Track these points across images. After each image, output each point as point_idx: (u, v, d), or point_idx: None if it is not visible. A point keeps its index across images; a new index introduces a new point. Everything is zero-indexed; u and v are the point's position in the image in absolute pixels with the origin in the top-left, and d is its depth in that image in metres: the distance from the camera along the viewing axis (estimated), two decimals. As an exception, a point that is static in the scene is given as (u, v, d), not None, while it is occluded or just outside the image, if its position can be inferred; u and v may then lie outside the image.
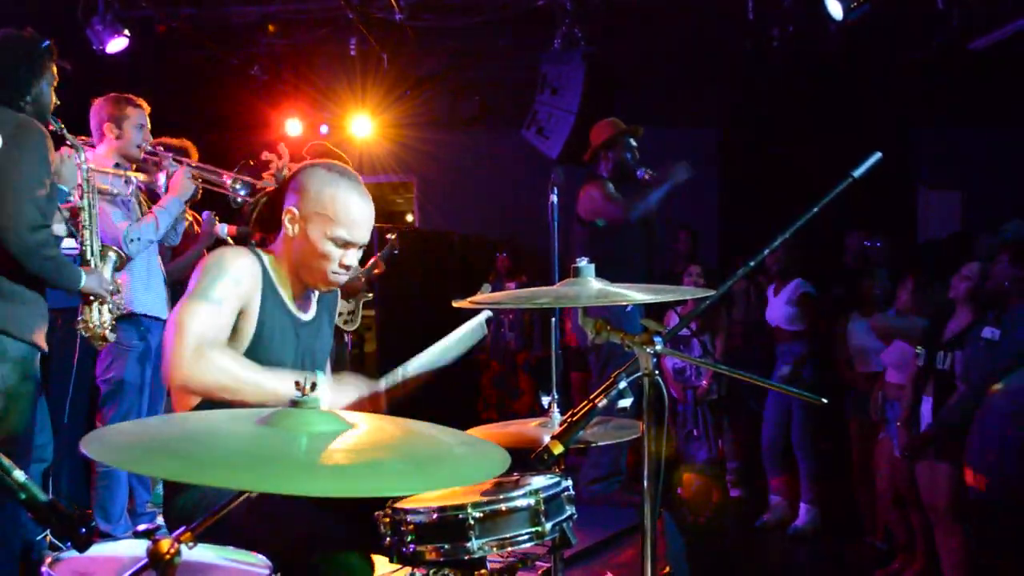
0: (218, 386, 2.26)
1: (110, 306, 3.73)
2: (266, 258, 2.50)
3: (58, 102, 3.49)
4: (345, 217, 2.43)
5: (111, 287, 3.70)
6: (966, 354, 4.29)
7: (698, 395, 6.51)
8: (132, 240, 4.06)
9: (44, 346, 3.36)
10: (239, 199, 4.33)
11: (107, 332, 3.72)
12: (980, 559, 4.30)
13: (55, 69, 3.46)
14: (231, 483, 1.40)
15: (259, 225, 2.61)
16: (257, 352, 2.42)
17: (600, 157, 5.44)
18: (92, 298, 3.64)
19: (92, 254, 3.70)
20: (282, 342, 2.49)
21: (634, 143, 5.43)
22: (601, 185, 5.38)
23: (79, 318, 3.68)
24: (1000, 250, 4.47)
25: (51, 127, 3.44)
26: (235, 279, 2.39)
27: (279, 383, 2.27)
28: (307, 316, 2.60)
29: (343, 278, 2.52)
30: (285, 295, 2.52)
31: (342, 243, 2.44)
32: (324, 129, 8.65)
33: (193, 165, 4.42)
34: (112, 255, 3.83)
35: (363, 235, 2.48)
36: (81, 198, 3.68)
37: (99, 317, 3.68)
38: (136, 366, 4.25)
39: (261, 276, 2.46)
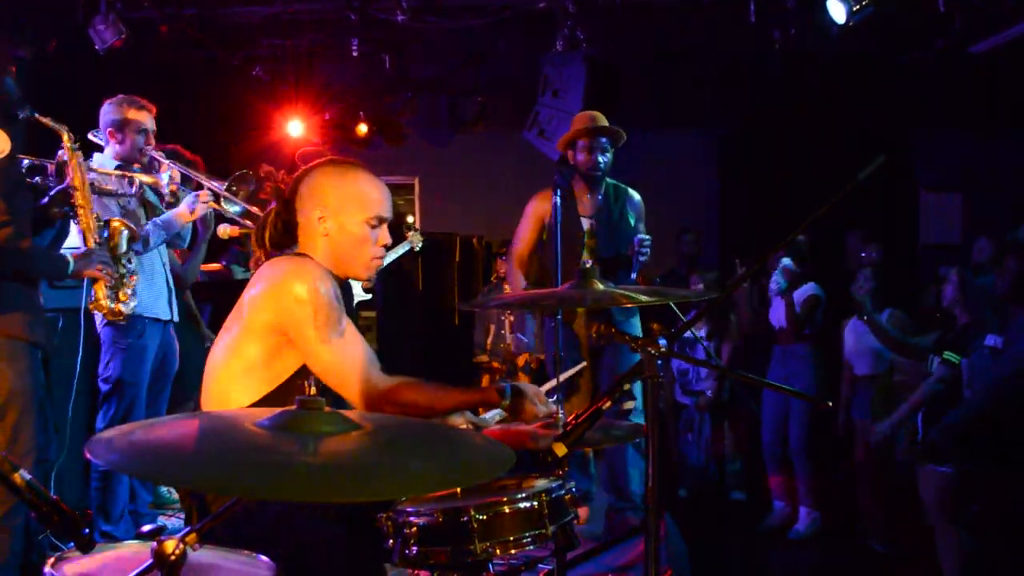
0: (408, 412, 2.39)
1: (126, 277, 3.68)
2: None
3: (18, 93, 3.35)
4: (374, 197, 2.53)
5: (107, 259, 3.58)
6: (971, 362, 4.29)
7: (700, 403, 6.52)
8: (147, 242, 4.07)
9: (41, 341, 3.30)
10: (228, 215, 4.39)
11: (121, 306, 3.65)
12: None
13: (10, 58, 3.38)
14: (237, 491, 1.39)
15: (273, 244, 2.56)
16: None
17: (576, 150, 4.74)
18: (97, 277, 3.55)
19: (92, 232, 3.58)
20: None
21: (605, 143, 4.65)
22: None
23: (91, 298, 3.62)
24: (1008, 252, 4.46)
25: (23, 116, 3.35)
26: (336, 295, 2.42)
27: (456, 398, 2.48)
28: None
29: (382, 258, 2.59)
30: None
31: (377, 222, 2.52)
32: (326, 130, 8.65)
33: (205, 193, 4.30)
34: (124, 230, 3.75)
35: (391, 208, 2.59)
36: (73, 180, 3.51)
37: (112, 292, 3.62)
38: (133, 365, 4.18)
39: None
